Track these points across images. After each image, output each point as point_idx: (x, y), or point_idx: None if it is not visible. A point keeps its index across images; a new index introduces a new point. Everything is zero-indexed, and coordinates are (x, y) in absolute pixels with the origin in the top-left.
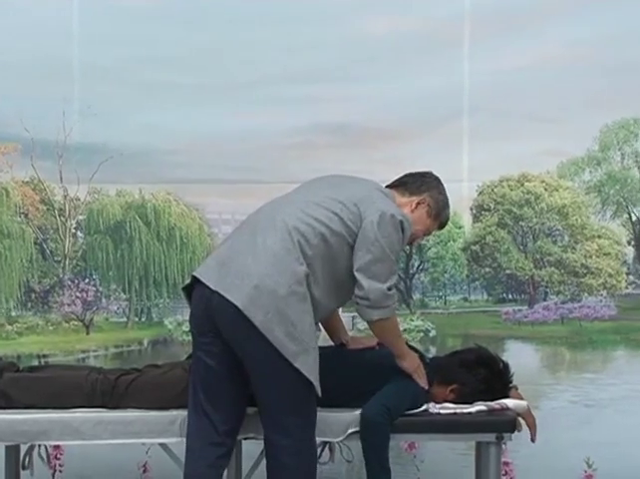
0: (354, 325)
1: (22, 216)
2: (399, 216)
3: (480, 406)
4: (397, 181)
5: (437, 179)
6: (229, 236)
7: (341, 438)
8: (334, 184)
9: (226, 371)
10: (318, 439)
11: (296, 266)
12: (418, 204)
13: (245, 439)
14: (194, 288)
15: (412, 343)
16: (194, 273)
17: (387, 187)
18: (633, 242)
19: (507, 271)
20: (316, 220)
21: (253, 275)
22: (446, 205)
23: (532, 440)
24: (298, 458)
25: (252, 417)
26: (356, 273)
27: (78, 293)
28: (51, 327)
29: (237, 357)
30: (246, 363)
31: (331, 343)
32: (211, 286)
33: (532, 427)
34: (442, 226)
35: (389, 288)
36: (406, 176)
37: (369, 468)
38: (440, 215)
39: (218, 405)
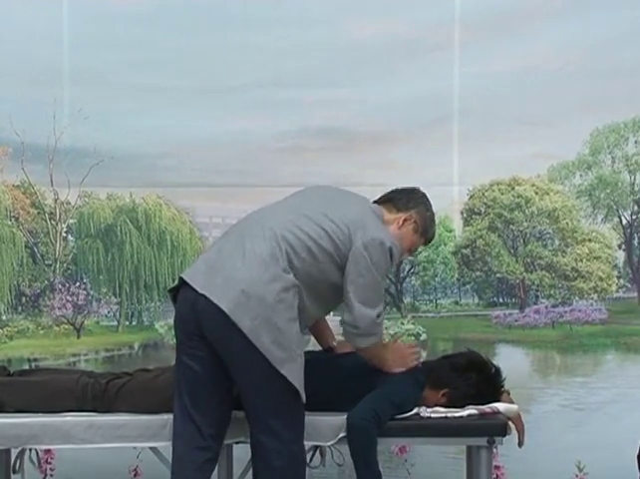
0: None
1: (12, 219)
2: (388, 242)
3: (471, 410)
4: (384, 196)
5: (424, 195)
6: (218, 239)
7: (332, 442)
8: (328, 198)
9: (211, 375)
10: (309, 443)
11: (284, 275)
12: (405, 220)
13: (236, 443)
14: (180, 291)
15: None
16: (182, 275)
17: (374, 202)
18: (624, 246)
19: (498, 275)
20: (305, 234)
21: (241, 281)
22: (432, 221)
23: (520, 445)
24: (286, 460)
25: (242, 421)
26: (346, 298)
27: (68, 297)
28: (42, 331)
29: (222, 361)
30: (232, 368)
31: (319, 348)
32: (198, 289)
33: (521, 432)
34: (428, 242)
35: (378, 315)
36: (393, 192)
37: (358, 472)
38: (427, 231)
39: (204, 409)
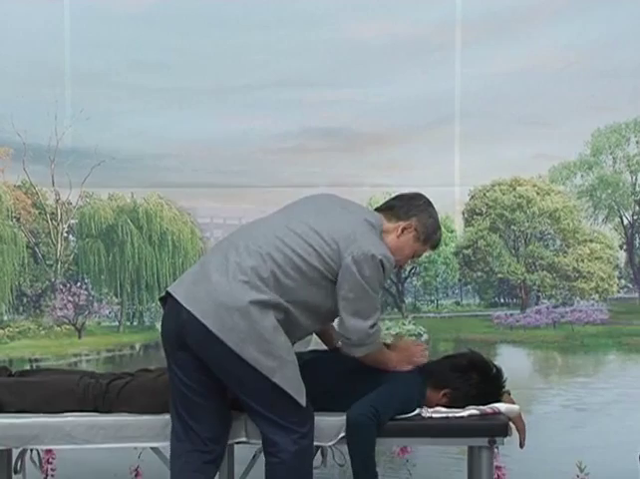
0: None
1: (14, 220)
2: (379, 255)
3: (472, 410)
4: (386, 204)
5: (426, 202)
6: (207, 253)
7: (333, 442)
8: (319, 211)
9: (200, 383)
10: None
11: (266, 290)
12: (404, 229)
13: (237, 443)
14: (167, 302)
15: None
16: (168, 289)
17: (376, 209)
18: (625, 247)
19: (499, 275)
20: (293, 251)
21: (223, 295)
22: (436, 228)
23: (521, 445)
24: (296, 455)
25: (243, 421)
26: (340, 312)
27: (70, 297)
28: (43, 331)
29: (209, 371)
30: (224, 378)
31: (324, 347)
32: (182, 302)
33: (522, 432)
34: (433, 248)
35: (372, 326)
36: (395, 199)
37: (354, 471)
38: (429, 238)
39: (198, 417)
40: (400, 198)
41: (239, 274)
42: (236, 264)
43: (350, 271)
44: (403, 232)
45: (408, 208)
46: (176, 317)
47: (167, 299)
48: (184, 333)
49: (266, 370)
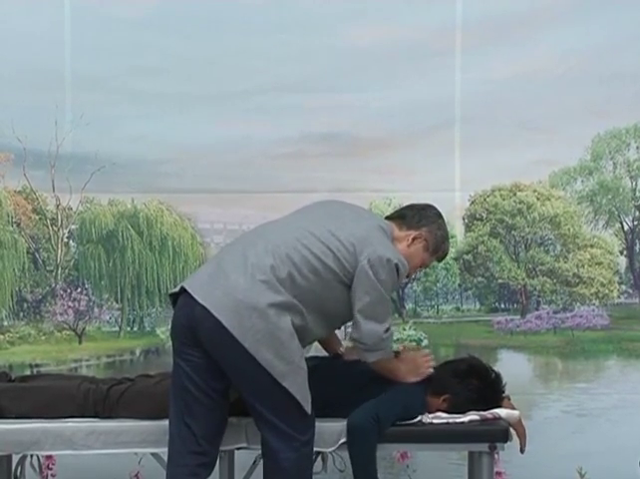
0: (347, 336)
1: (14, 225)
2: (394, 259)
3: (472, 416)
4: (397, 212)
5: (437, 213)
6: (221, 250)
7: (333, 448)
8: (335, 215)
9: (205, 380)
10: None
11: (284, 291)
12: (414, 238)
13: (237, 449)
14: (180, 297)
15: None
16: (183, 284)
17: (386, 217)
18: (625, 252)
19: (500, 281)
20: (311, 252)
21: (241, 294)
22: (444, 239)
23: (522, 451)
24: (295, 462)
25: (243, 427)
26: (354, 315)
27: (70, 303)
28: (43, 337)
29: (218, 367)
30: (233, 378)
31: (325, 353)
32: (198, 299)
33: (522, 437)
34: (440, 259)
35: (386, 330)
36: (406, 208)
37: (355, 476)
38: (438, 249)
39: (198, 414)
40: (411, 207)
41: (258, 274)
42: (255, 263)
43: (366, 274)
44: (413, 241)
45: (419, 218)
46: (190, 313)
47: (180, 295)
48: (197, 329)
49: (277, 374)
